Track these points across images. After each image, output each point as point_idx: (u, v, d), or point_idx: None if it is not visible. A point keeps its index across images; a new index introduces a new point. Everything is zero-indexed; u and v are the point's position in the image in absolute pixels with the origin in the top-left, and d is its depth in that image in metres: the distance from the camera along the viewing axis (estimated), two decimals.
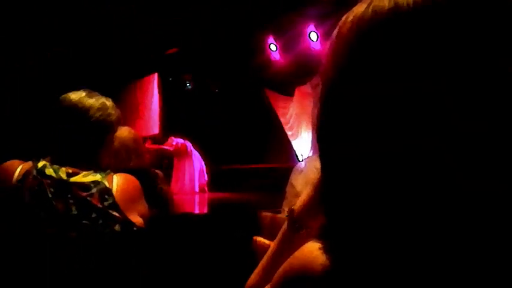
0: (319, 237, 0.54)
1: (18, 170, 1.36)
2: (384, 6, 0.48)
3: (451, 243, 0.44)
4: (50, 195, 1.34)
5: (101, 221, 1.36)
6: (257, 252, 1.57)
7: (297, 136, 8.32)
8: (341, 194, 0.50)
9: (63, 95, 1.47)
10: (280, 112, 8.48)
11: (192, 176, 7.62)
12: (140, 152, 2.33)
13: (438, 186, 0.44)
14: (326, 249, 0.51)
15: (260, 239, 1.55)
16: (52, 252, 1.33)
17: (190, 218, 2.94)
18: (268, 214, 2.25)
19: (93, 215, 1.36)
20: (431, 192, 0.45)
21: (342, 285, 0.49)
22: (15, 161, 1.40)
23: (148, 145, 7.29)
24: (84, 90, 1.50)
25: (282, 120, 8.48)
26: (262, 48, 7.98)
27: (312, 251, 0.53)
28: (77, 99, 1.45)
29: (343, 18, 0.52)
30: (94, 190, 1.38)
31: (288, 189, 2.37)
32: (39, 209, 1.33)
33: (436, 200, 0.44)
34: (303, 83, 8.02)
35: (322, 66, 0.53)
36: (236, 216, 3.27)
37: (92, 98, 1.48)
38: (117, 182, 1.45)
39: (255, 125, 8.79)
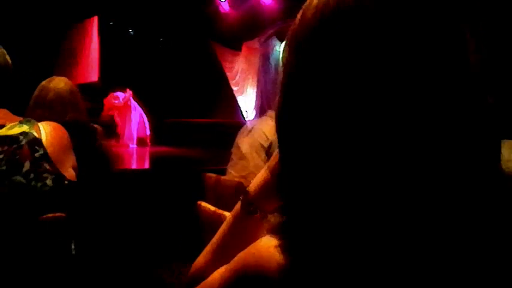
0: (275, 233, 0.52)
1: None
2: None
3: (409, 245, 0.44)
4: None
5: (32, 175, 1.29)
6: (201, 217, 1.55)
7: (242, 92, 8.26)
8: (301, 191, 0.49)
9: None
10: (226, 67, 8.34)
11: (131, 129, 7.43)
12: (77, 104, 2.18)
13: (385, 185, 0.44)
14: (283, 248, 0.49)
15: (204, 204, 1.52)
16: None
17: (130, 175, 2.86)
18: (213, 175, 2.22)
19: (24, 169, 1.28)
20: (387, 189, 0.44)
21: (296, 285, 0.48)
22: None
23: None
24: None
25: (228, 75, 8.35)
26: None
27: (268, 248, 0.51)
28: None
29: (307, 2, 0.51)
30: (23, 142, 1.30)
31: (234, 150, 2.36)
32: None
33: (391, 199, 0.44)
34: (251, 37, 7.89)
35: (284, 48, 0.52)
36: (179, 174, 3.24)
37: None
38: (45, 131, 1.37)
39: (200, 78, 8.62)
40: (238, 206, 0.73)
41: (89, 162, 2.19)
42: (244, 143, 2.22)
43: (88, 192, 2.00)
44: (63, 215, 1.33)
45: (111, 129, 6.74)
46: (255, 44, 7.85)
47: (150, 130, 7.66)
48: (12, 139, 1.30)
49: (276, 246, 0.50)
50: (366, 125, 0.44)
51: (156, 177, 3.16)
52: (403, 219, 0.44)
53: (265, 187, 0.69)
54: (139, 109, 7.60)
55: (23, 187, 1.27)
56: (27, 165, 1.29)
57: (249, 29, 7.73)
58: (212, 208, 1.47)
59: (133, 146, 7.39)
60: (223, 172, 2.42)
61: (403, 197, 0.44)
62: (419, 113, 0.43)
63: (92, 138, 2.17)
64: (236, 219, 0.72)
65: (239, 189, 2.00)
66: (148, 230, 2.59)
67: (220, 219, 1.39)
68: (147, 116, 7.73)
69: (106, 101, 7.57)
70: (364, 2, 0.45)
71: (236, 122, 8.03)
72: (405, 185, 0.44)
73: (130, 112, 7.45)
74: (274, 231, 0.53)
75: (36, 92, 2.17)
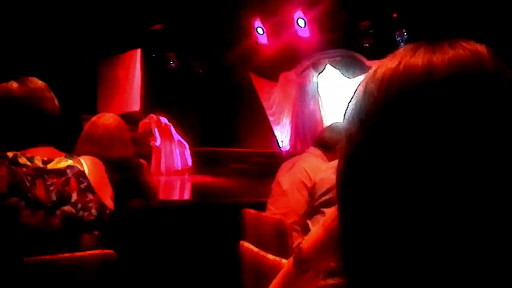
0: None
1: None
2: (417, 66, 0.47)
3: None
4: (28, 184, 1.31)
5: (79, 205, 1.36)
6: (243, 257, 1.55)
7: (278, 122, 8.31)
8: (367, 259, 0.48)
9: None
10: (263, 97, 8.43)
11: (173, 158, 7.55)
12: (125, 140, 2.26)
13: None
14: None
15: (247, 244, 1.53)
16: (36, 244, 1.28)
17: (171, 207, 2.91)
18: (252, 212, 2.24)
19: (73, 200, 1.36)
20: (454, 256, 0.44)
21: None
22: None
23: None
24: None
25: (265, 105, 8.43)
26: (249, 30, 7.88)
27: None
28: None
29: (371, 71, 0.51)
30: (70, 174, 1.38)
31: (274, 187, 2.37)
32: (19, 198, 1.28)
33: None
34: (288, 69, 7.98)
35: (347, 118, 0.52)
36: (218, 207, 3.26)
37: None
38: (86, 164, 1.45)
39: (238, 108, 8.73)
40: (290, 262, 0.74)
41: (134, 196, 2.26)
42: (285, 180, 2.23)
43: (133, 227, 2.05)
44: (111, 251, 1.37)
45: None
46: (292, 75, 7.95)
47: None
48: (61, 172, 1.38)
49: None
50: (432, 200, 0.44)
51: (196, 211, 3.20)
52: None
53: (320, 246, 0.69)
54: (180, 138, 7.74)
55: (72, 216, 1.35)
56: (74, 196, 1.37)
57: (286, 61, 7.82)
58: (255, 249, 1.47)
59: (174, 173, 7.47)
60: (261, 205, 2.43)
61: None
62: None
63: (137, 174, 2.23)
64: (289, 276, 0.72)
65: (279, 227, 2.00)
66: (186, 264, 2.61)
67: (263, 262, 1.39)
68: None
69: (144, 123, 7.69)
70: (433, 78, 0.45)
71: (272, 152, 8.06)
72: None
73: (173, 141, 7.58)
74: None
75: (86, 127, 2.27)
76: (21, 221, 1.28)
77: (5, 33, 5.94)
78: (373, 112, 0.48)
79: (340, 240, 0.54)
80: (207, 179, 6.93)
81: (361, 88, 0.51)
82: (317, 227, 0.72)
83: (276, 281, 0.75)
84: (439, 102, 0.44)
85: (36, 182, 1.33)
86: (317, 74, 7.46)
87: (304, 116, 7.49)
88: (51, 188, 1.34)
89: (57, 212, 1.33)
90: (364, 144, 0.48)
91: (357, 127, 0.49)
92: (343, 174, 0.52)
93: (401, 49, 0.51)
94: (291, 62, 7.83)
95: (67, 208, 1.35)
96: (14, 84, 1.42)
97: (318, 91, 7.33)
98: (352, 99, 0.52)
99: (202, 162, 7.79)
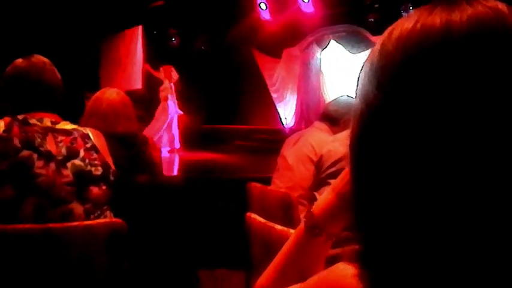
0: (353, 261, 0.52)
1: (1, 122, 1.43)
2: (435, 24, 0.46)
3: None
4: (39, 139, 1.43)
5: (87, 161, 1.50)
6: (250, 229, 1.57)
7: (282, 99, 8.27)
8: (383, 223, 0.48)
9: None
10: (266, 74, 8.37)
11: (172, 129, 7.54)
12: (130, 115, 2.26)
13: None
14: (362, 278, 0.49)
15: (254, 216, 1.54)
16: (50, 194, 1.39)
17: (177, 182, 2.93)
18: (258, 185, 2.24)
19: (80, 155, 1.49)
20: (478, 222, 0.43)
21: None
22: None
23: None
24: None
25: (268, 82, 8.37)
26: (252, 6, 7.77)
27: (346, 276, 0.50)
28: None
29: (386, 33, 0.50)
30: (76, 135, 1.54)
31: (279, 160, 2.37)
32: (32, 151, 1.39)
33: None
34: (292, 45, 7.89)
35: (362, 79, 0.51)
36: (222, 181, 3.28)
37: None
38: (90, 131, 1.62)
39: (240, 85, 8.69)
40: (301, 226, 0.74)
41: (139, 171, 2.27)
42: (290, 154, 2.23)
43: (137, 200, 2.06)
44: (120, 221, 1.39)
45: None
46: (296, 51, 7.86)
47: (191, 136, 7.74)
48: (68, 132, 1.53)
49: (353, 276, 0.49)
50: (451, 161, 0.43)
51: (201, 185, 3.21)
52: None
53: (331, 210, 0.69)
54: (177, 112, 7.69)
55: (82, 169, 1.47)
56: (81, 153, 1.50)
57: (290, 37, 7.73)
58: (262, 220, 1.48)
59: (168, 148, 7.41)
60: (265, 180, 2.43)
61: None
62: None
63: (143, 149, 2.24)
64: (300, 241, 0.73)
65: (285, 200, 2.01)
66: (193, 237, 2.64)
67: (271, 232, 1.40)
68: (187, 123, 7.83)
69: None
70: (452, 36, 0.44)
71: (275, 129, 8.04)
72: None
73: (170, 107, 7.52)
74: (351, 259, 0.53)
75: (90, 103, 2.27)
76: (35, 171, 1.37)
77: (7, 12, 5.88)
78: (390, 72, 0.47)
79: (352, 203, 0.54)
80: (210, 156, 6.94)
81: (376, 49, 0.50)
82: (327, 192, 0.72)
83: (287, 246, 0.76)
84: (458, 60, 0.43)
85: (47, 138, 1.46)
86: (321, 50, 7.39)
87: (308, 92, 7.44)
88: (61, 144, 1.47)
89: (68, 164, 1.45)
90: (381, 104, 0.47)
91: (373, 88, 0.48)
92: (358, 136, 0.51)
93: (416, 10, 0.50)
94: (294, 38, 7.74)
95: (76, 161, 1.47)
96: (20, 60, 1.61)
97: (320, 67, 7.26)
98: (367, 62, 0.52)
99: (204, 140, 7.79)
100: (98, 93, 2.28)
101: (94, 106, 2.21)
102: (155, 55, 8.15)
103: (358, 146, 0.51)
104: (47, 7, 6.30)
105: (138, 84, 8.02)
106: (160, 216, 2.13)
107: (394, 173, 0.46)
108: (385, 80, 0.47)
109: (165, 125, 7.52)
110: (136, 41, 8.05)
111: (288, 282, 0.67)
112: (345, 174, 0.68)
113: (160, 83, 7.92)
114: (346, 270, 0.51)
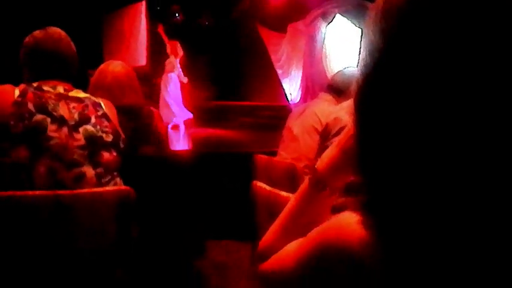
0: (356, 209, 0.53)
1: (16, 89, 1.48)
2: None
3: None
4: (52, 105, 1.48)
5: (98, 127, 1.56)
6: (256, 197, 1.58)
7: (287, 75, 8.21)
8: (384, 171, 0.49)
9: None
10: (271, 49, 8.29)
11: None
12: (135, 87, 2.26)
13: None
14: (366, 224, 0.50)
15: (260, 184, 1.56)
16: (63, 158, 1.43)
17: (183, 156, 2.95)
18: (264, 157, 2.26)
19: (92, 121, 1.55)
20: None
21: (382, 262, 0.48)
22: (7, 84, 1.50)
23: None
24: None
25: (273, 57, 8.30)
26: None
27: (350, 223, 0.52)
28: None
29: None
30: (88, 102, 1.59)
31: (285, 132, 2.38)
32: (45, 115, 1.44)
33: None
34: (296, 19, 7.79)
35: (365, 33, 0.51)
36: (229, 155, 3.30)
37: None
38: (102, 100, 1.67)
39: (245, 61, 8.63)
40: (306, 182, 0.75)
41: (146, 143, 2.28)
42: (296, 125, 2.23)
43: (144, 171, 2.08)
44: (129, 188, 1.42)
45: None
46: (301, 25, 7.76)
47: (195, 112, 7.74)
48: (80, 99, 1.59)
49: (357, 222, 0.51)
50: (455, 113, 0.43)
51: (207, 159, 3.23)
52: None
53: (335, 164, 0.70)
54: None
55: (93, 134, 1.52)
56: (93, 119, 1.55)
57: (295, 11, 7.62)
58: (268, 188, 1.49)
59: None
60: (271, 154, 2.45)
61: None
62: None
63: (148, 121, 2.25)
64: (304, 196, 0.74)
65: (291, 170, 2.02)
66: (200, 209, 2.67)
67: (276, 199, 1.42)
68: (192, 99, 7.81)
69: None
70: None
71: (280, 105, 8.02)
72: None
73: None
74: (355, 208, 0.54)
75: (95, 76, 2.27)
76: (48, 134, 1.42)
77: None
78: (394, 16, 0.47)
79: (355, 155, 0.54)
80: (216, 132, 6.95)
81: (380, 1, 0.50)
82: (331, 148, 0.73)
83: (291, 203, 0.77)
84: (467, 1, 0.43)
85: (60, 103, 1.50)
86: (326, 24, 7.28)
87: (313, 67, 7.37)
88: (73, 110, 1.52)
89: (80, 129, 1.50)
90: (385, 51, 0.47)
91: (377, 35, 0.48)
92: (362, 85, 0.51)
93: None
94: (299, 12, 7.62)
95: (88, 127, 1.52)
96: (37, 31, 1.67)
97: (324, 41, 7.17)
98: (371, 12, 0.51)
99: (209, 116, 7.79)
100: (102, 66, 2.28)
101: (99, 79, 2.22)
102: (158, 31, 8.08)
103: (361, 95, 0.52)
104: None
105: (142, 60, 7.97)
106: (167, 187, 2.15)
107: (396, 121, 0.47)
108: (388, 25, 0.47)
109: (171, 97, 7.48)
110: (139, 17, 7.97)
111: (292, 239, 0.69)
112: (348, 130, 0.69)
113: (166, 57, 7.88)
114: (350, 217, 0.53)
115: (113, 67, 2.25)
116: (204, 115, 7.81)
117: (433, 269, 0.44)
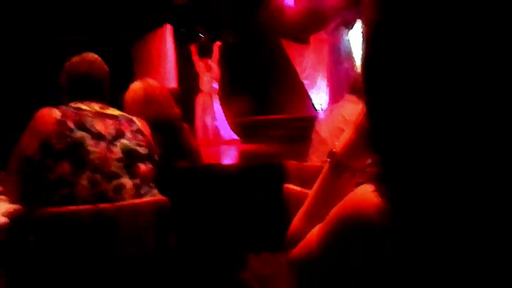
0: (371, 181, 0.55)
1: (57, 110, 1.58)
2: None
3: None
4: (90, 122, 1.58)
5: (133, 141, 1.64)
6: (288, 199, 1.61)
7: (313, 85, 8.21)
8: (394, 142, 0.51)
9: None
10: (295, 61, 8.33)
11: (216, 126, 7.66)
12: (166, 103, 2.33)
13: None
14: (381, 192, 0.53)
15: (291, 185, 1.58)
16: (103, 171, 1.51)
17: (218, 169, 3.00)
18: (294, 163, 2.28)
19: (127, 135, 1.64)
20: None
21: (397, 226, 0.50)
22: (46, 107, 1.60)
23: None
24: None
25: (298, 69, 8.33)
26: None
27: (365, 193, 0.54)
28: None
29: None
30: (122, 119, 1.70)
31: (314, 136, 2.39)
32: (84, 132, 1.54)
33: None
34: (318, 29, 7.81)
35: (365, 11, 0.53)
36: (264, 167, 3.32)
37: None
38: (135, 118, 1.77)
39: (269, 75, 8.68)
40: (326, 168, 0.77)
41: (178, 157, 2.35)
42: (323, 128, 2.25)
43: (180, 185, 2.14)
44: (165, 198, 1.47)
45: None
46: (323, 35, 7.78)
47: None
48: (115, 116, 1.69)
49: (373, 191, 0.53)
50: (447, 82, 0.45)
51: (242, 171, 3.26)
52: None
53: (352, 146, 0.72)
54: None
55: (129, 147, 1.60)
56: (128, 134, 1.65)
57: (316, 21, 7.65)
58: (298, 189, 1.52)
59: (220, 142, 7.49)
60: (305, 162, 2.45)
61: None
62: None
63: (181, 135, 2.31)
64: (326, 181, 0.76)
65: (321, 172, 2.03)
66: (238, 222, 2.70)
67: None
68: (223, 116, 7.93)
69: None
70: None
71: (309, 116, 7.99)
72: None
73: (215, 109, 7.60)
74: (370, 180, 0.56)
75: (129, 93, 2.35)
76: (88, 149, 1.51)
77: (42, 20, 6.15)
78: None
79: (368, 130, 0.56)
80: (247, 147, 7.00)
81: None
82: (347, 130, 0.75)
83: (314, 189, 0.79)
84: None
85: (97, 120, 1.60)
86: (348, 31, 7.29)
87: (339, 75, 7.36)
88: (110, 126, 1.62)
89: (116, 143, 1.59)
90: (382, 21, 0.50)
91: (374, 7, 0.51)
92: (365, 60, 0.54)
93: None
94: (320, 22, 7.65)
95: (124, 141, 1.61)
96: (74, 57, 1.80)
97: (351, 48, 7.15)
98: None
99: (240, 132, 7.85)
100: (136, 84, 2.35)
101: (134, 95, 2.29)
102: (185, 53, 8.27)
103: (366, 70, 0.54)
104: (75, 15, 6.52)
105: (172, 83, 8.16)
106: (202, 199, 2.20)
107: (399, 96, 0.49)
108: (389, 2, 0.49)
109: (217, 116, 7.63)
110: (165, 40, 8.18)
111: (317, 223, 0.71)
112: (362, 109, 0.71)
113: (196, 76, 8.07)
114: (366, 188, 0.56)
115: (147, 83, 2.33)
116: (236, 131, 7.89)
117: (438, 228, 0.47)
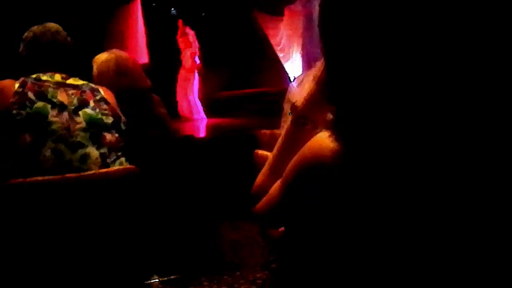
0: (327, 129, 0.57)
1: (16, 82, 1.54)
2: None
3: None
4: (52, 92, 1.55)
5: (97, 110, 1.61)
6: (258, 164, 1.60)
7: (288, 58, 8.19)
8: (349, 91, 0.54)
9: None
10: (270, 34, 8.26)
11: (194, 100, 7.63)
12: (138, 74, 2.28)
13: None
14: (335, 137, 0.55)
15: (261, 151, 1.58)
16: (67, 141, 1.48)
17: (190, 140, 2.99)
18: (267, 131, 2.28)
19: (91, 105, 1.61)
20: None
21: (351, 166, 0.54)
22: (7, 79, 1.55)
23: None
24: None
25: (273, 42, 8.28)
26: None
27: (322, 139, 0.58)
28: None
29: None
30: (86, 88, 1.66)
31: (285, 105, 2.38)
32: (45, 102, 1.50)
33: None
34: (293, 1, 7.75)
35: None
36: (236, 137, 3.33)
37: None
38: (99, 86, 1.73)
39: (244, 49, 8.61)
40: (288, 122, 0.77)
41: (148, 127, 2.31)
42: (295, 96, 2.24)
43: (151, 155, 2.12)
44: (134, 167, 1.45)
45: None
46: (297, 7, 7.72)
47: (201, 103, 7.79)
48: (78, 86, 1.65)
49: (328, 137, 0.56)
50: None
51: (215, 142, 3.27)
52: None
53: (313, 98, 0.73)
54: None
55: (93, 117, 1.58)
56: (91, 103, 1.62)
57: None
58: (269, 153, 1.51)
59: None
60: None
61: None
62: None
63: (150, 105, 2.27)
64: (289, 135, 0.76)
65: None
66: (209, 192, 2.71)
67: None
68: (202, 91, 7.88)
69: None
70: None
71: (285, 89, 7.96)
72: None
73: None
74: (325, 128, 0.58)
75: (98, 63, 2.28)
76: (50, 119, 1.48)
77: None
78: None
79: (325, 82, 0.58)
80: (220, 120, 6.99)
81: None
82: (308, 84, 0.75)
83: (277, 144, 0.79)
84: None
85: (58, 90, 1.56)
86: None
87: (313, 46, 7.35)
88: (72, 95, 1.58)
89: (80, 112, 1.56)
90: None
91: None
92: (321, 18, 0.55)
93: None
94: None
95: (87, 110, 1.58)
96: (35, 26, 1.74)
97: None
98: None
99: (214, 106, 7.82)
100: (107, 55, 2.28)
101: (104, 66, 2.22)
102: (156, 27, 8.10)
103: (323, 27, 0.55)
104: None
105: (144, 58, 8.01)
106: (174, 169, 2.19)
107: (353, 51, 0.51)
108: None
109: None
110: (136, 16, 8.00)
111: (281, 175, 0.71)
112: (321, 63, 0.71)
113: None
114: (322, 135, 0.59)
115: (118, 54, 2.26)
116: (209, 105, 7.85)
117: (385, 167, 0.51)
